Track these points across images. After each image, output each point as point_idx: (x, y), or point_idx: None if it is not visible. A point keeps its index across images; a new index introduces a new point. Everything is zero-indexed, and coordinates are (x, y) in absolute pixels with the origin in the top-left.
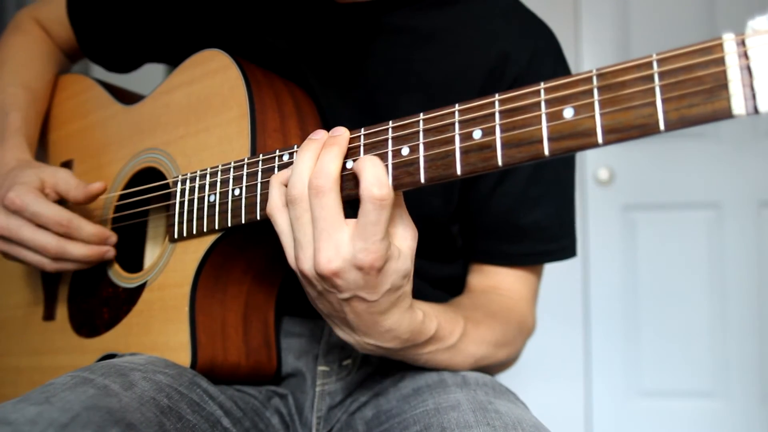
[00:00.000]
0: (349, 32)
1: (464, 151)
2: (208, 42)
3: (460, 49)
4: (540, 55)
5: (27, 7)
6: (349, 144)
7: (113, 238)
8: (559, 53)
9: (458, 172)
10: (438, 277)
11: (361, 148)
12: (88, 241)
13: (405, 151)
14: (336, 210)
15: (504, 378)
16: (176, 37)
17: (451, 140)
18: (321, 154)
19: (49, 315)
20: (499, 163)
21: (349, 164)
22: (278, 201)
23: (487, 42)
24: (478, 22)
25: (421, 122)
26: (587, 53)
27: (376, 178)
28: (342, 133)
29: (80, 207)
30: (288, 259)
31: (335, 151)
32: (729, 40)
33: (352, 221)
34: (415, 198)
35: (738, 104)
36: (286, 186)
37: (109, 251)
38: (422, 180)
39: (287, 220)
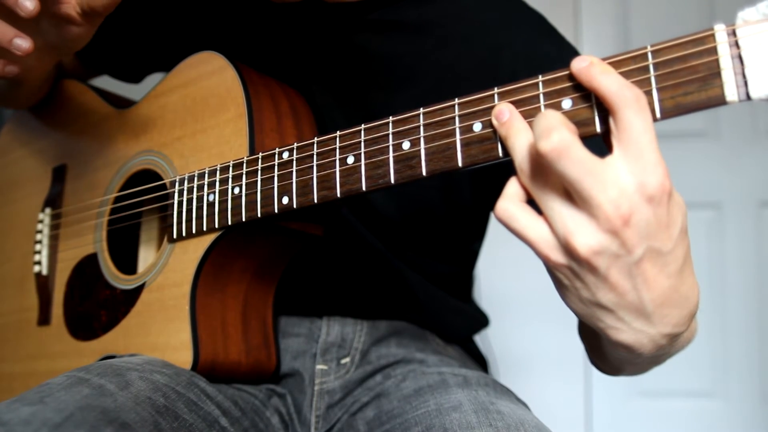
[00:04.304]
0: (338, 30)
1: (465, 144)
2: (202, 46)
3: (451, 42)
4: (535, 40)
5: None
6: (349, 140)
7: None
8: (553, 33)
9: (459, 164)
10: (437, 274)
11: (362, 144)
12: None
13: (406, 145)
14: (589, 154)
15: (504, 378)
16: (170, 43)
17: (452, 133)
18: (530, 121)
19: (43, 319)
20: (500, 153)
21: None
22: (509, 202)
23: (478, 34)
24: (468, 14)
25: (421, 116)
26: (587, 53)
27: (619, 79)
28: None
29: (76, 206)
30: (545, 252)
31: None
32: (720, 31)
33: (608, 157)
34: (412, 191)
35: (731, 91)
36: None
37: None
38: (424, 173)
39: (526, 214)
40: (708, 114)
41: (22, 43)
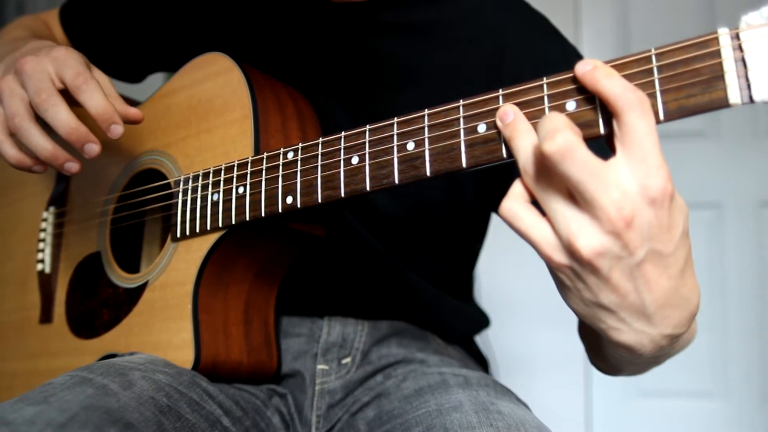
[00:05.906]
0: (344, 31)
1: (469, 145)
2: (207, 47)
3: (457, 44)
4: (538, 41)
5: (29, 15)
6: (354, 141)
7: (74, 164)
8: (556, 34)
9: (464, 164)
10: (438, 275)
11: (366, 145)
12: (61, 130)
13: (410, 145)
14: (592, 156)
15: (504, 378)
16: (174, 44)
17: (457, 134)
18: (534, 123)
19: (45, 318)
20: (504, 154)
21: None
22: (515, 202)
23: (482, 36)
24: (473, 16)
25: (426, 117)
26: (588, 54)
27: (623, 83)
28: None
29: (81, 205)
30: (547, 252)
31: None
32: (724, 34)
33: (611, 159)
34: (414, 192)
35: (734, 94)
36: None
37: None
38: (428, 173)
39: (530, 214)
40: (708, 114)
41: (94, 147)
